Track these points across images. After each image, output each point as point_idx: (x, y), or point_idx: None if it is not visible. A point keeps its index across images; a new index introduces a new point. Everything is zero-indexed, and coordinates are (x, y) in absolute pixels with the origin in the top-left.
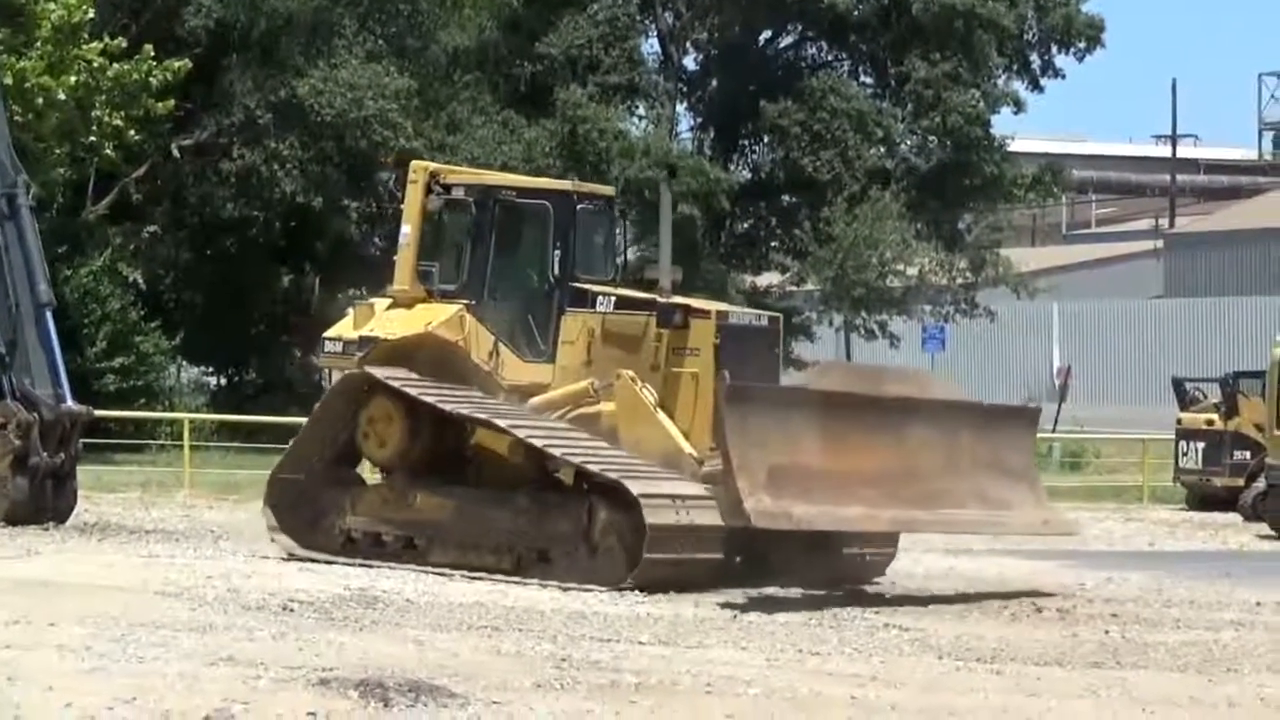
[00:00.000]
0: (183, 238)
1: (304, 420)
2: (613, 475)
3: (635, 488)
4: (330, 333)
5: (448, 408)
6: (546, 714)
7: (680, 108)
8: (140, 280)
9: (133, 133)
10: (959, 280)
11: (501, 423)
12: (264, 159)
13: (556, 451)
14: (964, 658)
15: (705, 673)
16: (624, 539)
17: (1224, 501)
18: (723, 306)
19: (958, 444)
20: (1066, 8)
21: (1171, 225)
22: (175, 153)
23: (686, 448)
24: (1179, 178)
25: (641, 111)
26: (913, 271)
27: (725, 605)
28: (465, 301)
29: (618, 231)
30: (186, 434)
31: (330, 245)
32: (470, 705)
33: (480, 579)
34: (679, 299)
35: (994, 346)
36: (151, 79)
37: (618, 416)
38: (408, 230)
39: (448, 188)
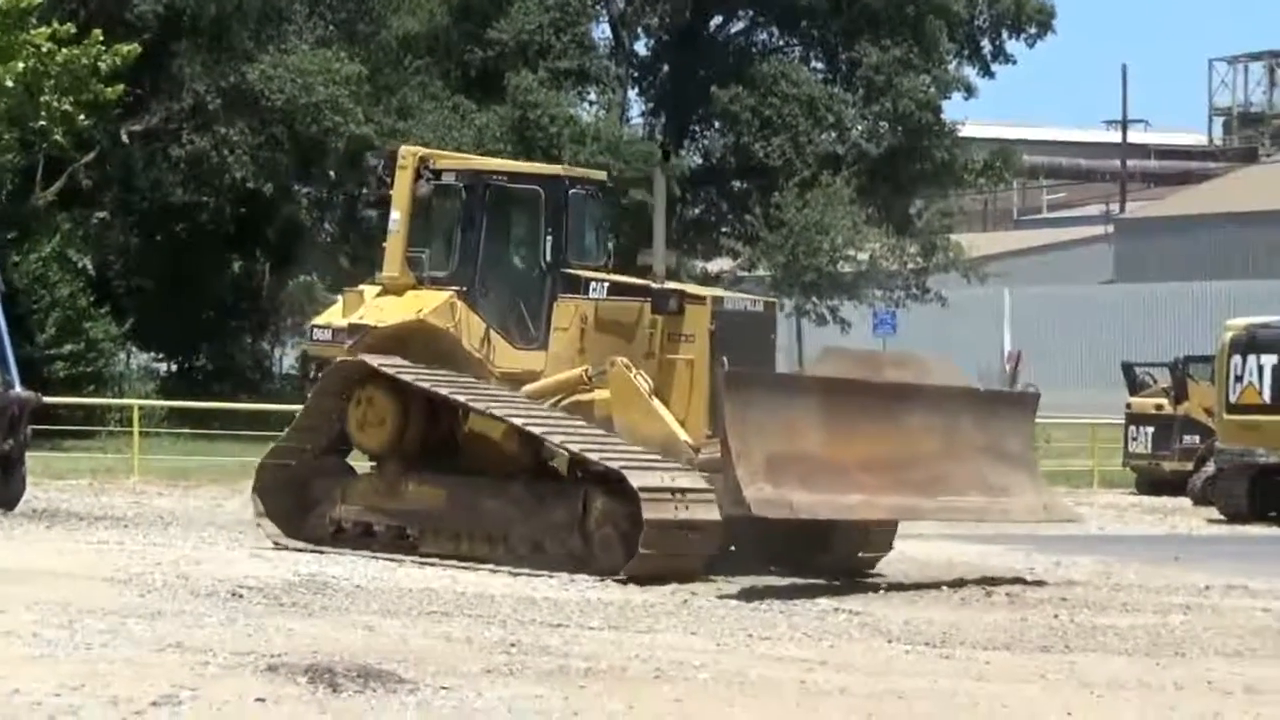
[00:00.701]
0: (132, 223)
1: (254, 406)
2: (614, 465)
3: (636, 480)
4: (319, 320)
5: (443, 393)
6: (495, 699)
7: (631, 93)
8: (90, 266)
9: (82, 118)
10: (910, 265)
11: (497, 410)
12: (214, 145)
13: (554, 439)
14: (913, 642)
15: (655, 657)
16: (619, 529)
17: (1173, 486)
18: (718, 292)
19: (958, 430)
20: None
21: (1122, 210)
22: (125, 138)
23: (682, 435)
24: (1130, 163)
25: (593, 97)
26: (864, 257)
27: (675, 590)
28: (456, 288)
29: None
30: (136, 420)
31: (280, 231)
32: (419, 690)
33: (431, 564)
34: (674, 285)
35: (945, 331)
36: (100, 64)
37: (612, 404)
38: (397, 216)
39: (438, 173)
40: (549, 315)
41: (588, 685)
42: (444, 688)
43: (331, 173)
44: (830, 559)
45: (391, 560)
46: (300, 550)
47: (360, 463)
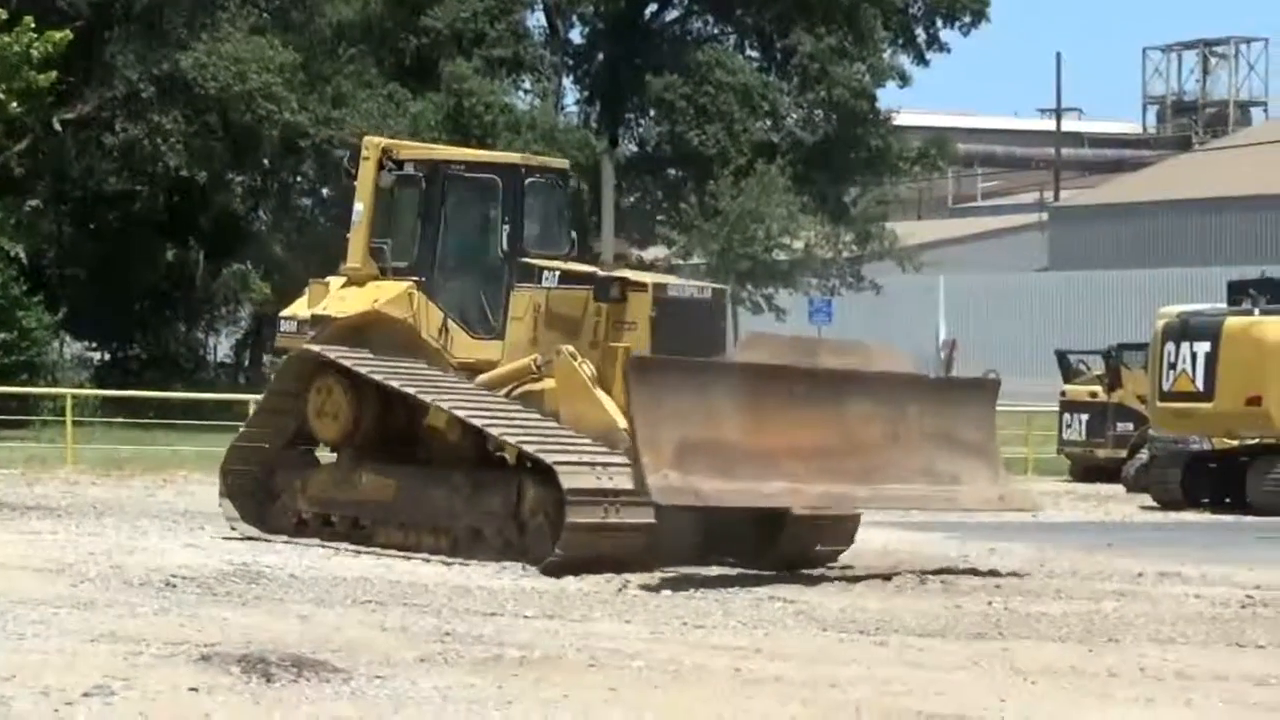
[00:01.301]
0: (65, 212)
1: (188, 395)
2: (546, 460)
3: (566, 481)
4: (285, 312)
5: (388, 383)
6: (430, 688)
7: (566, 81)
8: (22, 255)
9: (14, 106)
10: (845, 253)
11: (441, 400)
12: (147, 133)
13: (493, 430)
14: (847, 630)
15: (589, 646)
16: (550, 515)
17: (1107, 473)
18: (662, 279)
19: (904, 417)
20: None
21: (1056, 199)
22: (57, 126)
23: (623, 424)
24: (1064, 151)
25: (527, 85)
26: (799, 245)
27: (609, 579)
28: (416, 278)
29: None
30: (69, 409)
31: (214, 219)
32: (353, 680)
33: (368, 554)
34: (621, 272)
35: (880, 319)
36: (32, 51)
37: (558, 393)
38: (360, 208)
39: (400, 164)
40: (506, 305)
41: (522, 674)
42: (378, 677)
43: (265, 161)
44: (780, 552)
45: (327, 550)
46: (255, 539)
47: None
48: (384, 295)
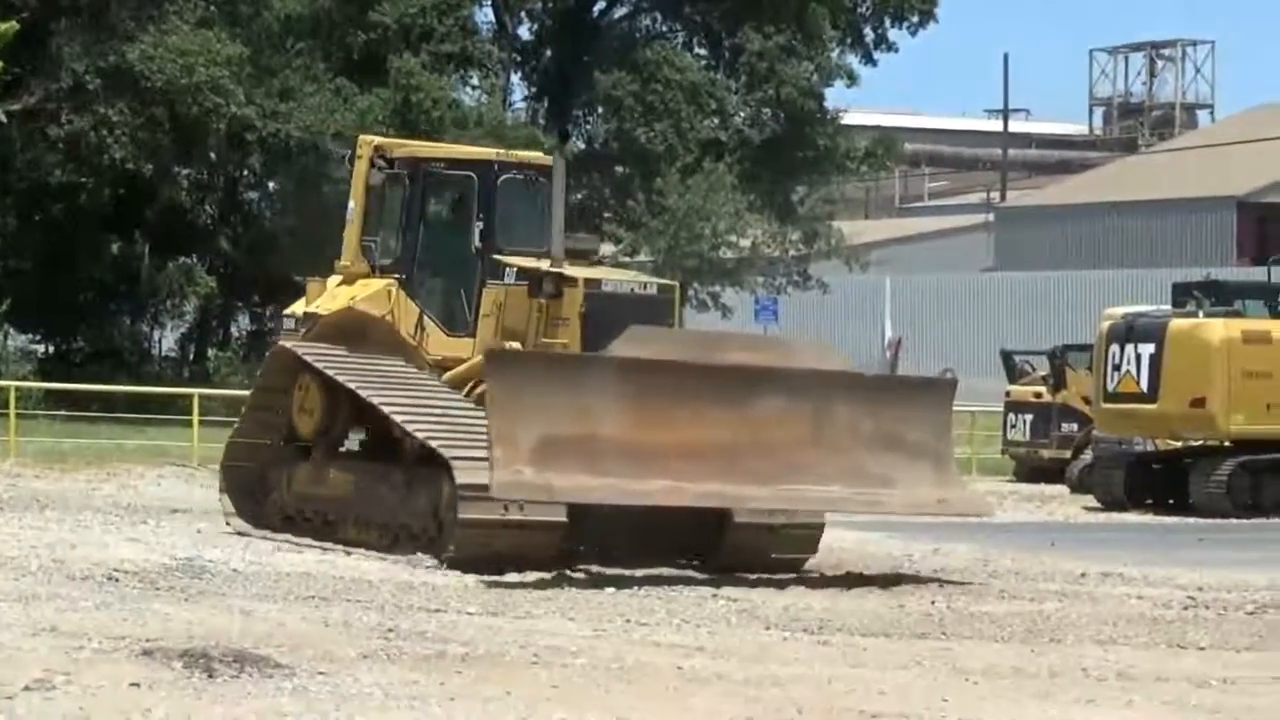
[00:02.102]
0: (10, 204)
1: (133, 388)
2: (435, 443)
3: (451, 452)
4: (288, 310)
5: (333, 374)
6: (372, 684)
7: (514, 78)
8: None
9: None
10: (791, 252)
11: (368, 392)
12: (93, 125)
13: (410, 425)
14: (791, 628)
15: (532, 643)
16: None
17: (1051, 473)
18: (596, 273)
19: (830, 416)
20: None
21: (1003, 199)
22: (2, 118)
23: None
24: (1011, 152)
25: (475, 81)
26: (745, 243)
27: (554, 576)
28: (398, 275)
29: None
30: (13, 402)
31: (160, 213)
32: (296, 676)
33: (310, 549)
34: (566, 268)
35: (826, 318)
36: None
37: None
38: (352, 205)
39: (390, 161)
40: (478, 302)
41: (465, 671)
42: (320, 673)
43: (212, 154)
44: (726, 558)
45: (270, 544)
46: (247, 535)
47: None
48: (364, 293)
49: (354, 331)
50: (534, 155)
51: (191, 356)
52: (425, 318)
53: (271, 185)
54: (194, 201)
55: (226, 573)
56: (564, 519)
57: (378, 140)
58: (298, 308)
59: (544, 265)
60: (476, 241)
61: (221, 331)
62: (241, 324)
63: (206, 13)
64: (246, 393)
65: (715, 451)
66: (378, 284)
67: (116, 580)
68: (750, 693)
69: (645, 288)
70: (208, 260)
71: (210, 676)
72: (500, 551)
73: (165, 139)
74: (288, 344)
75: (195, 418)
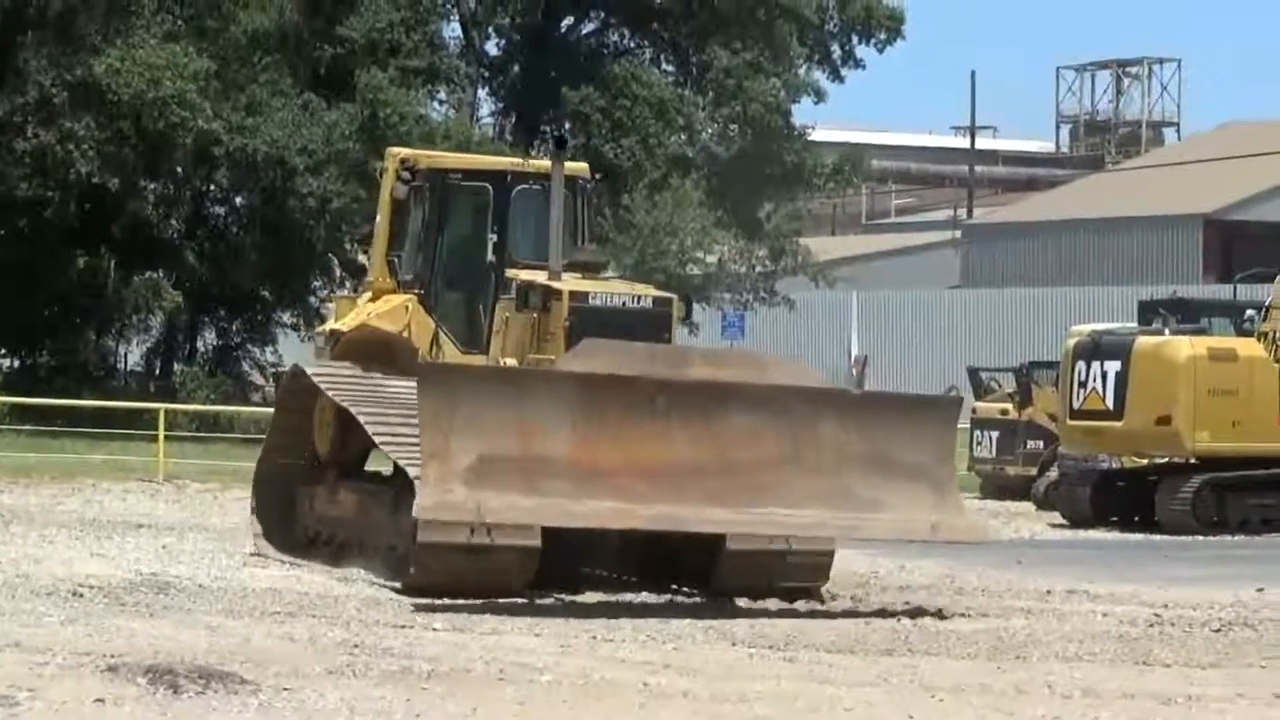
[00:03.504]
0: None
1: (98, 403)
2: (403, 462)
3: (415, 470)
4: (320, 327)
5: (327, 390)
6: (338, 700)
7: (482, 93)
8: None
9: None
10: (758, 268)
11: (356, 409)
12: (59, 139)
13: (388, 446)
14: (757, 645)
15: (498, 659)
16: None
17: (1017, 490)
18: (583, 286)
19: (813, 435)
20: None
21: (970, 216)
22: None
23: None
24: (977, 169)
25: (443, 96)
26: (712, 259)
27: (520, 592)
28: (417, 291)
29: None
30: None
31: (126, 227)
32: (261, 692)
33: (276, 564)
34: (556, 280)
35: (793, 335)
36: None
37: None
38: (379, 219)
39: (414, 173)
40: (492, 318)
41: (430, 687)
42: (286, 689)
43: (179, 169)
44: (722, 584)
45: (235, 561)
46: (278, 560)
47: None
48: (381, 309)
49: (374, 349)
50: (547, 164)
51: (157, 371)
52: (441, 334)
53: (238, 200)
54: (160, 216)
55: (192, 588)
56: (537, 544)
57: (404, 152)
58: (329, 325)
59: (538, 278)
60: (490, 255)
61: (188, 346)
62: (208, 339)
63: (173, 27)
64: (212, 408)
65: (675, 472)
66: (397, 300)
67: (82, 595)
68: (716, 709)
69: (639, 301)
70: (174, 275)
71: (175, 693)
72: (464, 579)
73: (131, 153)
74: (303, 364)
75: (161, 433)
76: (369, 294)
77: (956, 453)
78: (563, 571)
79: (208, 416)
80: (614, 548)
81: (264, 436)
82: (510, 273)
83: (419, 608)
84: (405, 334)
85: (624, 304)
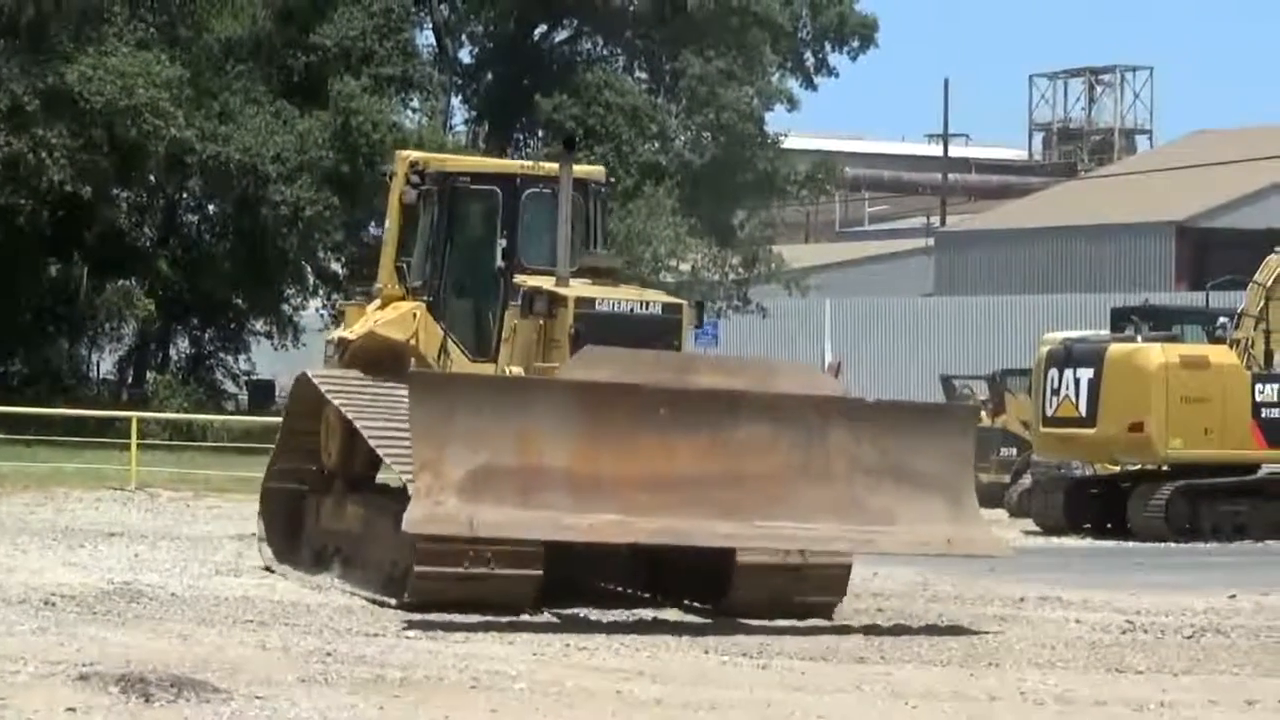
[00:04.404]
0: None
1: (70, 412)
2: (406, 476)
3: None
4: (329, 335)
5: (328, 397)
6: (310, 709)
7: (455, 100)
8: None
9: None
10: (732, 276)
11: (362, 423)
12: (31, 146)
13: (389, 459)
14: (730, 653)
15: (471, 667)
16: None
17: (990, 497)
18: (590, 292)
19: (824, 446)
20: (840, 6)
21: (943, 223)
22: None
23: None
24: (950, 177)
25: (415, 104)
26: (686, 267)
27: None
28: (426, 298)
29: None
30: None
31: (99, 235)
32: (233, 700)
33: (248, 572)
34: (563, 286)
35: (766, 342)
36: None
37: None
38: (387, 225)
39: (423, 177)
40: (501, 325)
41: (403, 695)
42: (258, 697)
43: (151, 177)
44: (736, 600)
45: (207, 569)
46: (285, 576)
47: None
48: (388, 316)
49: (381, 357)
50: (556, 167)
51: (130, 379)
52: (449, 342)
53: (211, 208)
54: (133, 224)
55: (164, 597)
56: (538, 572)
57: (414, 155)
58: (338, 332)
59: (544, 283)
60: (499, 260)
61: (160, 354)
62: (180, 347)
63: (146, 35)
64: (185, 416)
65: (680, 484)
66: (405, 307)
67: (53, 604)
68: (689, 717)
69: (647, 307)
70: (147, 283)
71: (147, 701)
72: (463, 604)
73: (104, 161)
74: (309, 372)
75: (134, 441)
76: (379, 302)
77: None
78: (572, 587)
79: (180, 425)
80: (624, 562)
81: (236, 445)
82: (518, 279)
83: (392, 615)
84: (413, 342)
85: (632, 310)
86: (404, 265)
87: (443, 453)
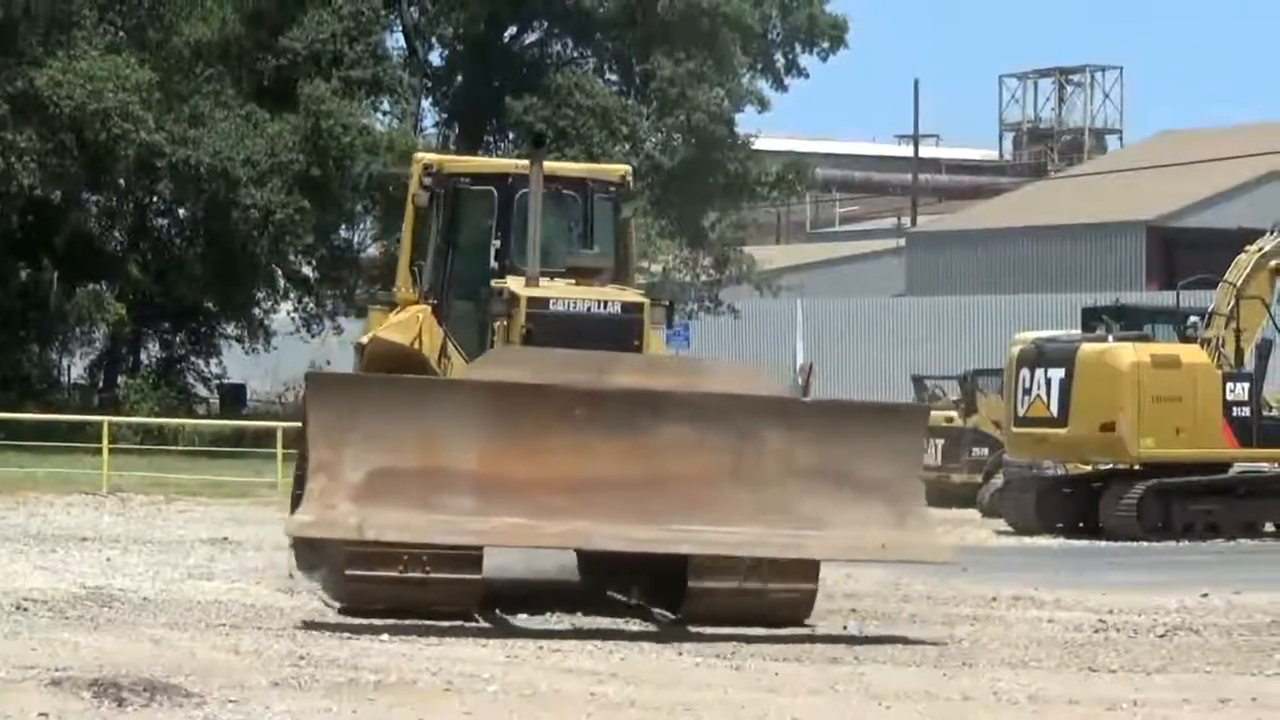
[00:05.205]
0: None
1: (41, 416)
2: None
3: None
4: (356, 340)
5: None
6: (284, 712)
7: (425, 103)
8: None
9: None
10: (703, 277)
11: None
12: (0, 151)
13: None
14: (703, 654)
15: (444, 670)
16: None
17: (962, 498)
18: (543, 292)
19: (755, 448)
20: (810, 8)
21: (913, 224)
22: None
23: None
24: (921, 177)
25: (386, 107)
26: (657, 269)
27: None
28: (432, 301)
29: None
30: None
31: (69, 239)
32: (206, 704)
33: (220, 577)
34: (526, 286)
35: (738, 344)
36: None
37: None
38: (404, 228)
39: (434, 178)
40: (494, 326)
41: (377, 698)
42: (231, 701)
43: (121, 181)
44: (694, 605)
45: (180, 573)
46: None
47: None
48: (394, 320)
49: (392, 361)
50: (561, 166)
51: (101, 384)
52: (450, 345)
53: (181, 212)
54: (103, 228)
55: (137, 601)
56: (476, 577)
57: (428, 158)
58: (362, 337)
59: (511, 284)
60: (493, 261)
61: (131, 358)
62: (152, 351)
63: (115, 38)
64: (156, 420)
65: (597, 487)
66: (412, 310)
67: (25, 609)
68: (663, 718)
69: (605, 306)
70: (117, 287)
71: (120, 706)
72: (399, 609)
73: (74, 165)
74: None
75: (105, 445)
76: (399, 305)
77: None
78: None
79: (152, 429)
80: (623, 572)
81: (208, 449)
82: (495, 281)
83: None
84: (416, 345)
85: (589, 310)
86: (419, 268)
87: (341, 455)
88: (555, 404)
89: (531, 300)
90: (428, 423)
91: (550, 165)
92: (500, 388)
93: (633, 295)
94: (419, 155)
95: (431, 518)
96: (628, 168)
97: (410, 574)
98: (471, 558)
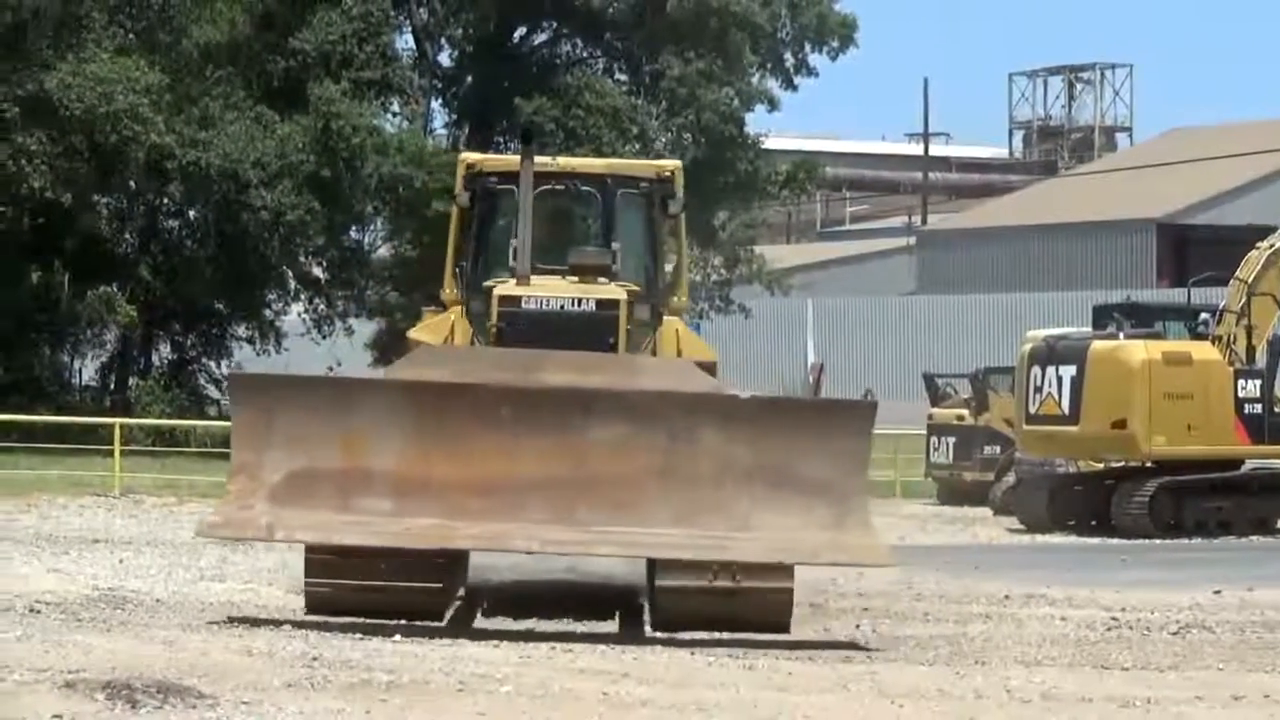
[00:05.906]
0: None
1: (53, 419)
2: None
3: None
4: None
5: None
6: (296, 713)
7: (435, 104)
8: None
9: None
10: (713, 277)
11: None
12: (11, 154)
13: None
14: (716, 653)
15: (457, 670)
16: None
17: (974, 496)
18: (518, 290)
19: (689, 447)
20: (819, 6)
21: (924, 222)
22: None
23: None
24: (931, 176)
25: (396, 108)
26: (667, 268)
27: (475, 603)
28: (466, 301)
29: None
30: None
31: (80, 241)
32: (219, 706)
33: (230, 579)
34: (503, 285)
35: (749, 343)
36: None
37: None
38: (451, 229)
39: (475, 179)
40: None
41: (390, 699)
42: (244, 702)
43: (132, 183)
44: (661, 615)
45: (192, 574)
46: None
47: None
48: (428, 321)
49: None
50: (580, 162)
51: (112, 386)
52: (476, 343)
53: (192, 214)
54: (113, 230)
55: (149, 603)
56: (438, 584)
57: (471, 157)
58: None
59: (502, 283)
60: (511, 260)
61: (142, 360)
62: (163, 353)
63: (125, 41)
64: (167, 422)
65: (520, 488)
66: (451, 311)
67: (38, 612)
68: (676, 717)
69: (579, 304)
70: (128, 289)
71: (133, 708)
72: (364, 612)
73: (84, 168)
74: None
75: (117, 447)
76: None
77: (869, 463)
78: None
79: (163, 431)
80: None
81: (219, 450)
82: (487, 281)
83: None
84: (447, 344)
85: (562, 308)
86: (461, 269)
87: (261, 456)
88: (479, 403)
89: (503, 299)
90: (349, 423)
91: (573, 161)
92: (422, 387)
93: (611, 292)
94: (463, 156)
95: (345, 519)
96: (677, 163)
97: (370, 581)
98: (432, 565)
